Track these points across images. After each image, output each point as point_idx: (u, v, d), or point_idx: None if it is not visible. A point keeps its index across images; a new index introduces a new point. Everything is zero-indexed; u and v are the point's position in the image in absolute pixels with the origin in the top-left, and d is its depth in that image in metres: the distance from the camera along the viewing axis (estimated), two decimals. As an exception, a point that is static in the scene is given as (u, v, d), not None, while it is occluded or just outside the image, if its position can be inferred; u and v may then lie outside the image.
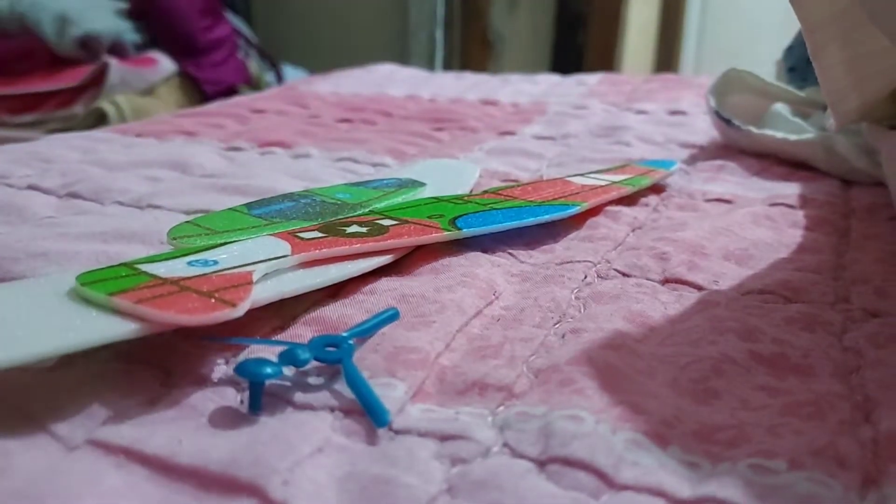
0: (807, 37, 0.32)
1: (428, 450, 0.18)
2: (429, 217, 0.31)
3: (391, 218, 0.31)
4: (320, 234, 0.29)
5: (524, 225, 0.32)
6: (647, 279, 0.29)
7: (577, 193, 0.36)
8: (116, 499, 0.16)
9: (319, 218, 0.32)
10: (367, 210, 0.33)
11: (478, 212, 0.32)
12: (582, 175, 0.40)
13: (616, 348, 0.22)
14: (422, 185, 0.37)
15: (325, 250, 0.27)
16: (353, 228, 0.30)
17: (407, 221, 0.31)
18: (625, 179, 0.39)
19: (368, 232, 0.29)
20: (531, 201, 0.34)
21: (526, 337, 0.23)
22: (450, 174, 0.41)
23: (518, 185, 0.38)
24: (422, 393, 0.21)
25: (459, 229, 0.30)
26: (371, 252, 0.28)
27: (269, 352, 0.22)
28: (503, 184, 0.41)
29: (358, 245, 0.28)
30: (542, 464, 0.18)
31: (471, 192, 0.38)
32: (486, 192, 0.36)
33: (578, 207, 0.34)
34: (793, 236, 0.33)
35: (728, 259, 0.30)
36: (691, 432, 0.19)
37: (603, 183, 0.38)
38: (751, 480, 0.17)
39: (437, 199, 0.34)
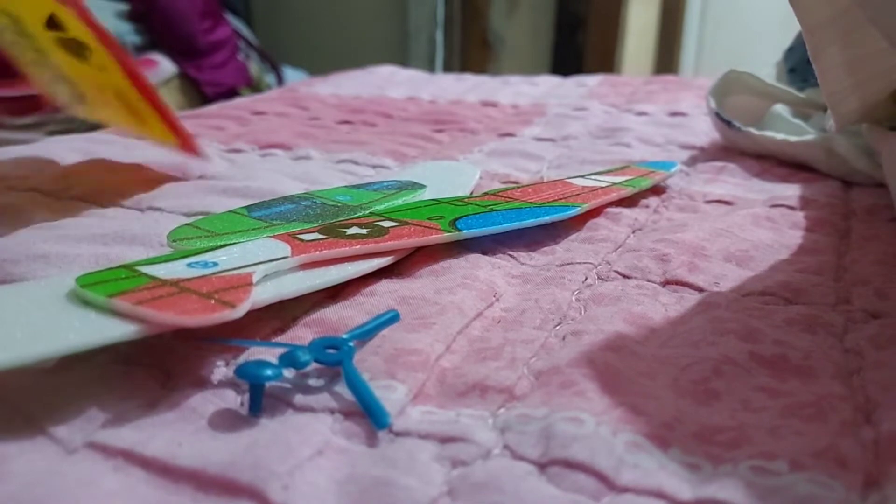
0: (807, 38, 0.32)
1: (428, 452, 0.18)
2: (429, 219, 0.31)
3: (391, 220, 0.31)
4: (320, 236, 0.29)
5: (524, 226, 0.32)
6: (648, 281, 0.29)
7: (578, 195, 0.36)
8: (115, 502, 0.16)
9: (319, 220, 0.32)
10: (367, 212, 0.33)
11: (478, 213, 0.32)
12: (582, 176, 0.40)
13: (617, 350, 0.22)
14: (422, 186, 0.37)
15: (325, 252, 0.27)
16: (354, 230, 0.30)
17: (407, 223, 0.31)
18: (625, 181, 0.39)
19: (369, 233, 0.29)
20: (531, 202, 0.34)
21: (526, 339, 0.23)
22: (450, 176, 0.41)
23: (518, 187, 0.38)
24: (422, 395, 0.20)
25: (460, 231, 0.30)
26: (371, 253, 0.28)
27: (270, 354, 0.22)
28: (503, 185, 0.41)
29: (358, 246, 0.28)
30: (542, 466, 0.18)
31: (471, 193, 0.38)
32: (486, 193, 0.36)
33: (579, 209, 0.34)
34: (793, 237, 0.33)
35: (729, 260, 0.30)
36: (692, 434, 0.19)
37: (603, 184, 0.38)
38: (752, 482, 0.17)
39: (438, 201, 0.34)
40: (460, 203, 0.34)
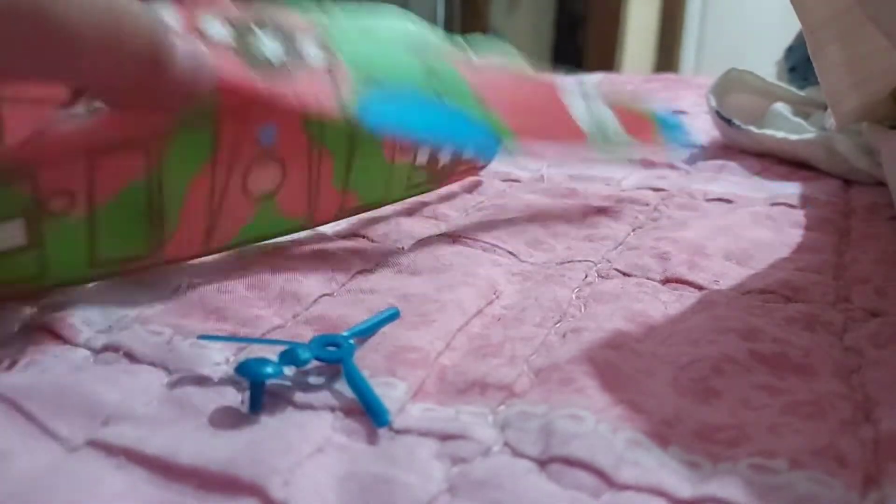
0: (807, 37, 0.32)
1: (428, 449, 0.18)
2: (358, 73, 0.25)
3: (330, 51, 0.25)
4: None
5: (434, 140, 0.27)
6: (648, 279, 0.29)
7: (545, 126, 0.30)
8: (116, 501, 0.16)
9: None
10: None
11: (401, 95, 0.26)
12: (588, 105, 0.34)
13: (616, 348, 0.22)
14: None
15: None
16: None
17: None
18: (625, 139, 0.35)
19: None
20: (485, 107, 0.28)
21: (527, 336, 0.23)
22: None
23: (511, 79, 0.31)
24: (422, 392, 0.21)
25: (356, 114, 0.25)
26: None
27: (270, 351, 0.22)
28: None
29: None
30: (542, 463, 0.18)
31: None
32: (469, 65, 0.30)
33: (514, 141, 0.28)
34: (793, 236, 0.33)
35: (729, 259, 0.30)
36: (692, 432, 0.19)
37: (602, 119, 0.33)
38: (751, 480, 0.17)
39: (405, 55, 0.28)
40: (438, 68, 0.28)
